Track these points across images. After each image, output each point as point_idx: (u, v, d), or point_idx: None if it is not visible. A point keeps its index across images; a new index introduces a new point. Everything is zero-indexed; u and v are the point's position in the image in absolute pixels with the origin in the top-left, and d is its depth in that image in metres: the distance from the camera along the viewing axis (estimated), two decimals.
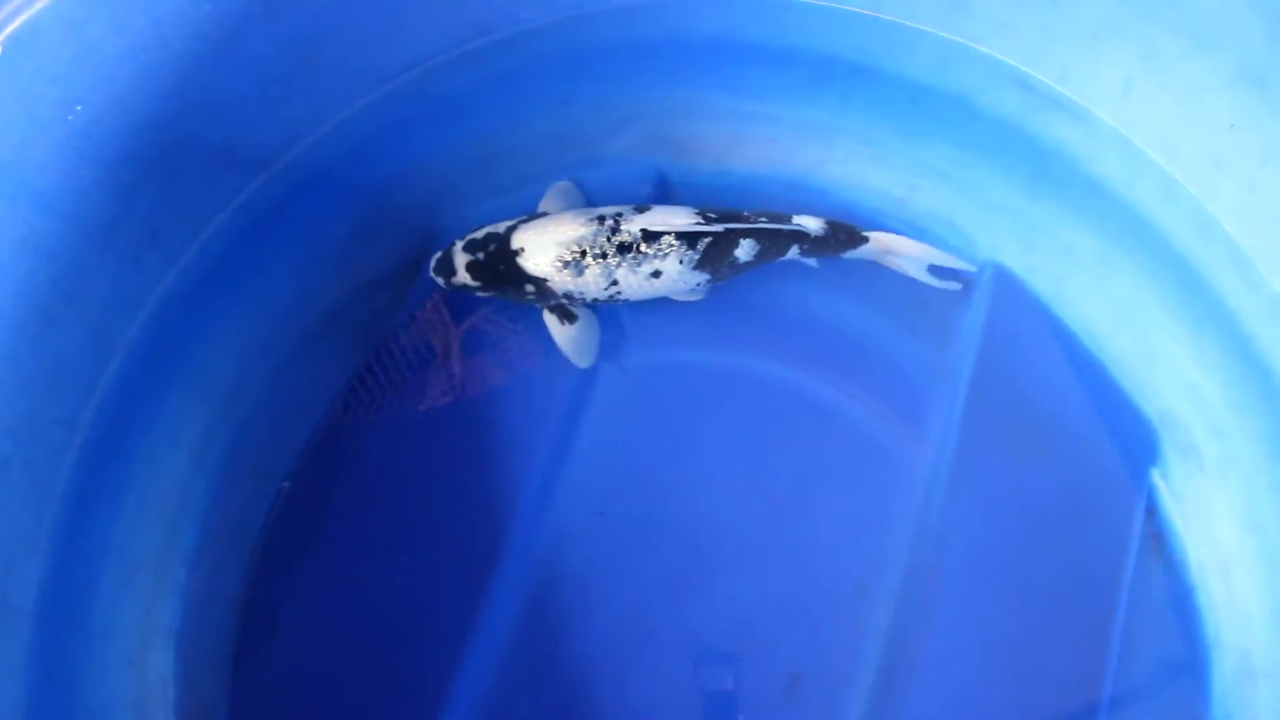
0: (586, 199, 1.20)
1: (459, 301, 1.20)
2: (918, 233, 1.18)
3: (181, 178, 1.01)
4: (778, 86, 1.17)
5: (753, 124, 1.19)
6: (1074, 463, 1.12)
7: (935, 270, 1.16)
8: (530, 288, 1.11)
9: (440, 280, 1.13)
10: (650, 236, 1.07)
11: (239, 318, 1.12)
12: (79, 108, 0.91)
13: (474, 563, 1.10)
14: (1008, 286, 1.16)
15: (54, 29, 0.86)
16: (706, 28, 1.13)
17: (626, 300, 1.12)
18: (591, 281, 1.09)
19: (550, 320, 1.15)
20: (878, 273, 1.19)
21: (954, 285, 1.16)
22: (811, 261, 1.15)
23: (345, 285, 1.18)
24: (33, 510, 0.96)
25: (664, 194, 1.22)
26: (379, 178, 1.14)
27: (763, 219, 1.10)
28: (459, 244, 1.12)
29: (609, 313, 1.18)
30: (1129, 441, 1.12)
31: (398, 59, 1.09)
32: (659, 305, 1.16)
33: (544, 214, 1.13)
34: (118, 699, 1.04)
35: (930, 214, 1.18)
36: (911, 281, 1.17)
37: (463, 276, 1.12)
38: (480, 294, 1.14)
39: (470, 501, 1.13)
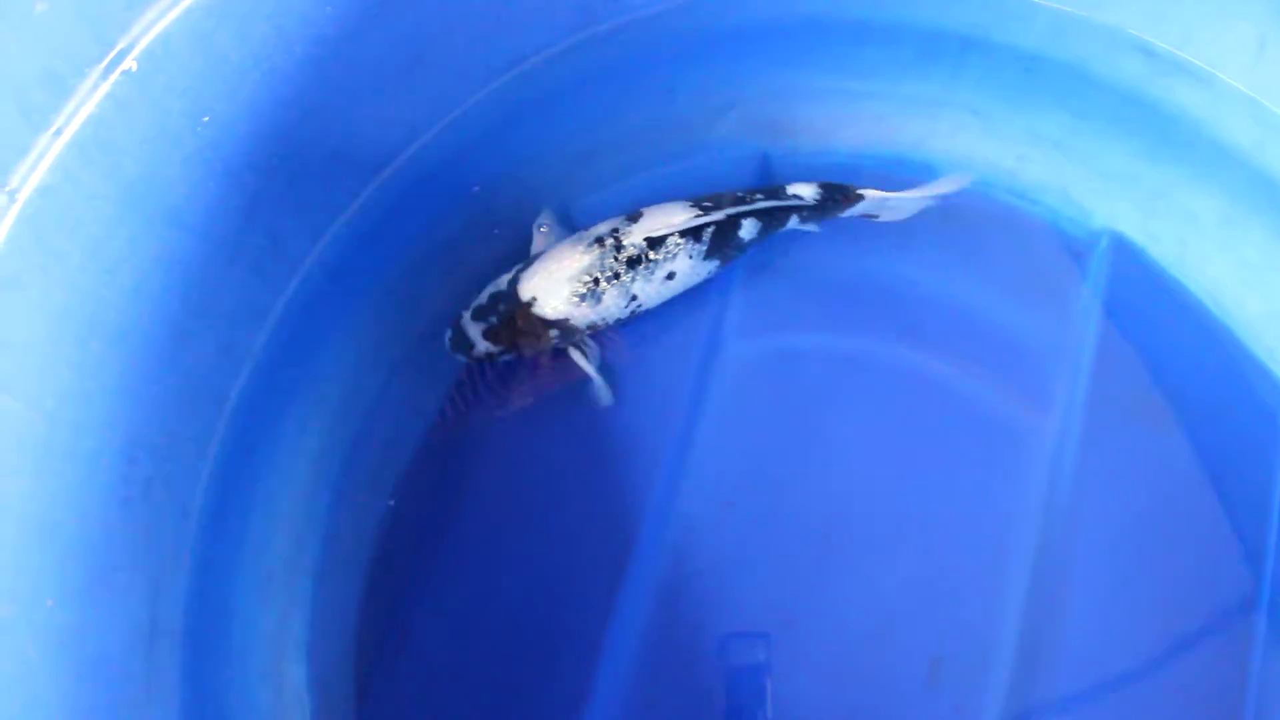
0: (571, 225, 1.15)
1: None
2: (1029, 204, 1.17)
3: (301, 183, 0.99)
4: (885, 63, 1.15)
5: (858, 102, 1.17)
6: (1207, 431, 1.11)
7: None
8: (553, 333, 1.07)
9: (461, 356, 1.10)
10: (655, 243, 1.04)
11: (355, 325, 1.11)
12: (206, 119, 0.89)
13: (603, 562, 1.08)
14: (1126, 255, 1.14)
15: (184, 41, 0.85)
16: (812, 8, 1.12)
17: (646, 310, 1.09)
18: (611, 304, 1.06)
19: (578, 357, 1.10)
20: (989, 247, 1.17)
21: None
22: (813, 227, 1.12)
23: (453, 288, 1.16)
24: (175, 529, 0.96)
25: (766, 177, 1.20)
26: (486, 175, 1.13)
27: (758, 196, 1.06)
28: (466, 314, 1.08)
29: (721, 302, 1.16)
30: (1263, 406, 1.10)
31: (507, 53, 1.07)
32: (775, 292, 1.14)
33: (536, 255, 1.09)
34: (259, 712, 1.04)
35: (1042, 184, 1.16)
36: (1026, 256, 1.16)
37: (482, 346, 1.08)
38: (503, 358, 1.10)
39: (595, 499, 1.12)
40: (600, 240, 1.04)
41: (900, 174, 1.18)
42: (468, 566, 1.13)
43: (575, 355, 1.10)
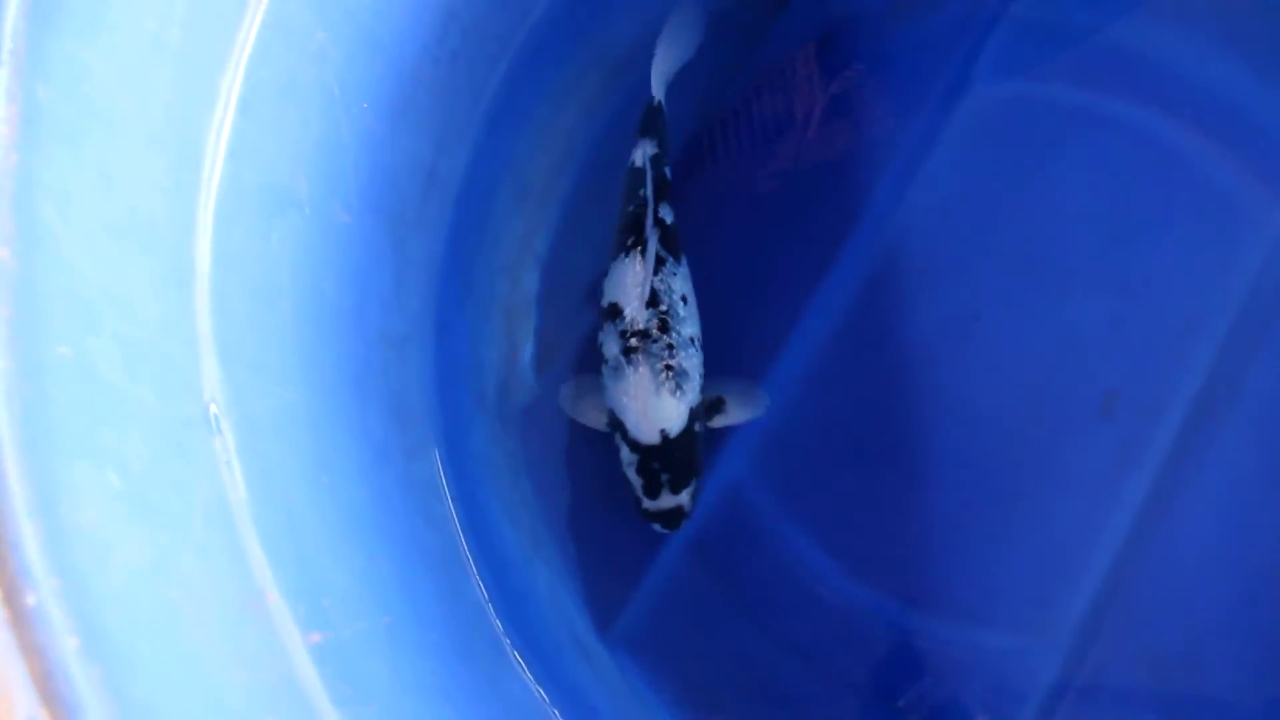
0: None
1: (827, 62, 1.25)
2: None
3: None
4: None
5: None
6: None
7: None
8: (697, 425, 1.09)
9: (685, 521, 1.10)
10: (653, 300, 1.06)
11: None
12: None
13: (823, 234, 1.18)
14: None
15: None
16: None
17: (691, 315, 1.10)
18: (690, 364, 1.07)
19: (726, 420, 1.13)
20: (1258, 33, 1.18)
21: None
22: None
23: None
24: (466, 102, 1.12)
25: None
26: None
27: (641, 194, 1.10)
28: (645, 504, 1.09)
29: (976, 42, 1.21)
30: None
31: None
32: (1031, 42, 1.20)
33: (611, 422, 1.10)
34: (495, 302, 1.20)
35: None
36: None
37: (684, 496, 1.08)
38: (701, 481, 1.11)
39: (825, 177, 1.21)
40: (627, 350, 1.06)
41: None
42: (700, 220, 1.21)
43: (722, 421, 1.13)
